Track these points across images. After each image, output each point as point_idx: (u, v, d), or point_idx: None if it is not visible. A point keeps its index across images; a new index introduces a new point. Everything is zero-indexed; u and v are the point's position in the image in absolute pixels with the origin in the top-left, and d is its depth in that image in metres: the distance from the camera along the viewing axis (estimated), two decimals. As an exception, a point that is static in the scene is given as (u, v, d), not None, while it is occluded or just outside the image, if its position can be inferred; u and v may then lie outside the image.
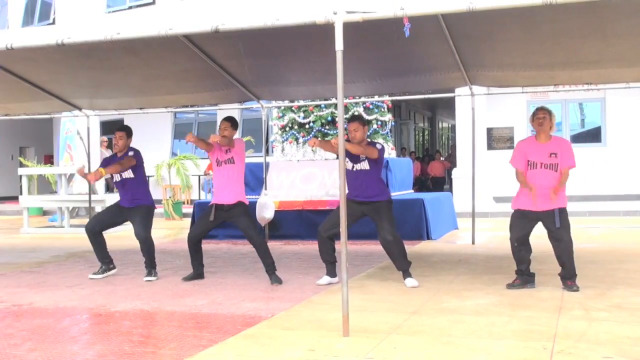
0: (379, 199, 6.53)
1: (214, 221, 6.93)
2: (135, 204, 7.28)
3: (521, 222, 6.13)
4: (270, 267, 6.83)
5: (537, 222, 6.12)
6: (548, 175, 6.01)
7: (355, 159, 6.55)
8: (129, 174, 7.31)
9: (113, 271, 7.48)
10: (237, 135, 7.15)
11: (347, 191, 6.33)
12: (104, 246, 7.44)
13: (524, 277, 6.19)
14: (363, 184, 6.55)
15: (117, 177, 7.35)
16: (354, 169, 6.56)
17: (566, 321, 4.89)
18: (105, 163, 7.44)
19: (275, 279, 6.76)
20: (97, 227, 7.37)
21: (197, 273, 7.09)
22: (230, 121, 6.97)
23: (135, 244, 7.44)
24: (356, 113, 11.67)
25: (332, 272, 6.66)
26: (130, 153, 7.35)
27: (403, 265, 6.54)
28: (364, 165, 6.55)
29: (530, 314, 5.15)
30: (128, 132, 7.45)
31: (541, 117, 6.05)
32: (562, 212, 6.02)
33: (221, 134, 6.89)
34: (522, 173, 6.14)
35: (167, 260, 8.64)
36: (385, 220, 6.47)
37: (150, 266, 7.27)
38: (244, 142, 7.21)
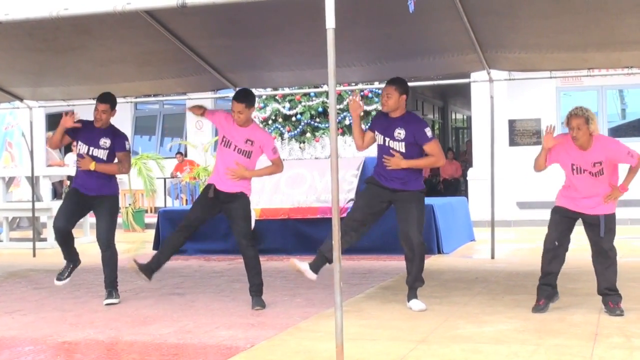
0: (412, 188, 6.48)
1: (212, 204, 6.84)
2: (102, 192, 7.12)
3: (562, 220, 6.17)
4: (256, 288, 6.80)
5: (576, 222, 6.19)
6: (596, 182, 6.09)
7: (389, 133, 6.49)
8: (102, 154, 7.11)
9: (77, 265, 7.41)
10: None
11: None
12: (73, 242, 7.33)
13: (549, 291, 6.20)
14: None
15: (83, 150, 7.09)
16: (387, 145, 6.50)
17: (603, 350, 4.91)
18: (86, 138, 7.08)
19: (258, 302, 6.73)
20: (70, 224, 7.20)
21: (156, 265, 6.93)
22: (244, 100, 6.67)
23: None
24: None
25: (316, 267, 6.50)
26: (127, 146, 7.23)
27: (417, 281, 6.52)
28: (401, 148, 6.46)
29: (560, 341, 5.18)
30: (113, 103, 7.16)
31: (574, 126, 5.94)
32: (608, 219, 6.11)
33: (235, 118, 6.70)
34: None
35: (127, 280, 8.61)
36: (417, 217, 6.43)
37: (112, 285, 7.18)
38: (274, 140, 7.05)
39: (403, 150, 6.44)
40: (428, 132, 6.51)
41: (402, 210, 6.45)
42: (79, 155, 7.19)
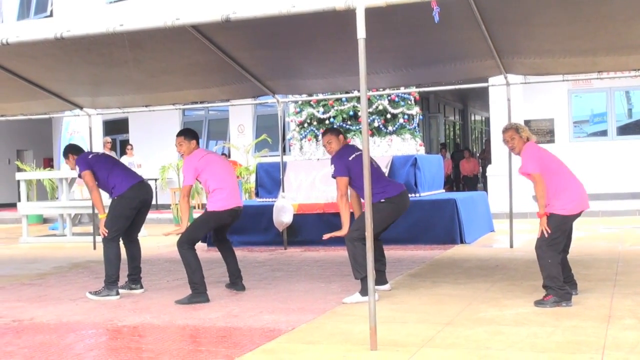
0: None
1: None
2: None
3: None
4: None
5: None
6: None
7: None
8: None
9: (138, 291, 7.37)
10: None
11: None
12: (131, 257, 7.39)
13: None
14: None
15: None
16: None
17: (616, 331, 4.85)
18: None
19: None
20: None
21: (231, 282, 7.12)
22: (180, 134, 6.96)
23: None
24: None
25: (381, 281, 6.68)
26: (77, 172, 7.32)
27: (354, 274, 6.35)
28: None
29: (576, 323, 5.12)
30: (72, 150, 7.43)
31: (508, 139, 6.23)
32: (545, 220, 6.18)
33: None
34: None
35: (178, 269, 8.67)
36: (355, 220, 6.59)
37: (105, 279, 7.00)
38: (187, 160, 6.88)
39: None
40: (332, 167, 6.74)
41: None
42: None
